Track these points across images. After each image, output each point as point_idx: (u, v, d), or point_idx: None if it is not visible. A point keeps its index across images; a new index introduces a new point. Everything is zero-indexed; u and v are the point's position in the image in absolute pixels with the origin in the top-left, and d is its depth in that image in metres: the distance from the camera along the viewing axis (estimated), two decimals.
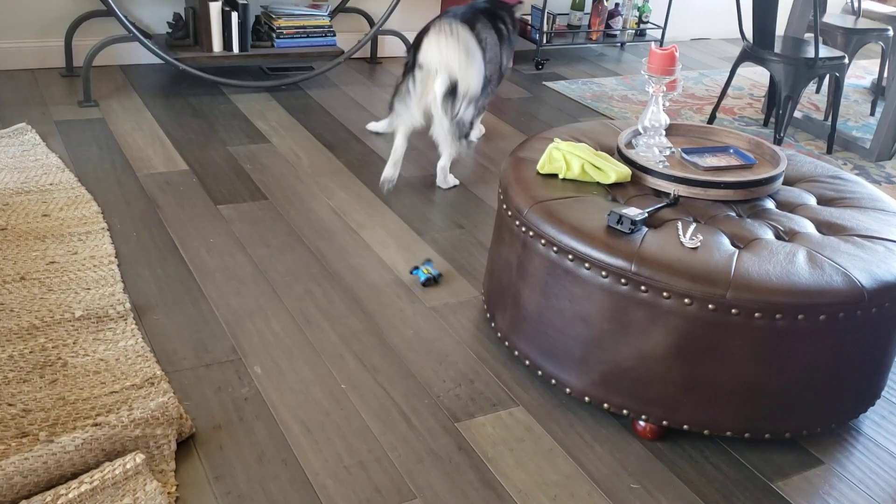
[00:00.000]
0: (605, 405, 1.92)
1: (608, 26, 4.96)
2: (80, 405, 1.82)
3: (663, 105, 2.14)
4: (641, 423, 1.91)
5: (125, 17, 3.47)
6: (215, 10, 3.58)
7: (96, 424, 1.73)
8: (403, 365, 2.10)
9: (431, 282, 2.45)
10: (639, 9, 5.07)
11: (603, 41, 5.02)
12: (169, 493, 1.64)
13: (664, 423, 1.87)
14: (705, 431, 1.87)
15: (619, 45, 5.21)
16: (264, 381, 1.99)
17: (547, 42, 4.72)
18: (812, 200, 2.13)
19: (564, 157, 2.11)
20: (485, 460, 1.81)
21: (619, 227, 1.84)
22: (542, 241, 1.93)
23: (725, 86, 3.91)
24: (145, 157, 3.06)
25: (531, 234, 1.97)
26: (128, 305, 2.17)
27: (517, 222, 2.03)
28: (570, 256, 1.87)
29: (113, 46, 3.57)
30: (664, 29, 5.07)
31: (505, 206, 2.11)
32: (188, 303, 2.25)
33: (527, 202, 2.01)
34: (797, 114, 4.22)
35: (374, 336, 2.20)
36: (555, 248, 1.90)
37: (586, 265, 1.84)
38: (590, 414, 1.99)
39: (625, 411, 1.90)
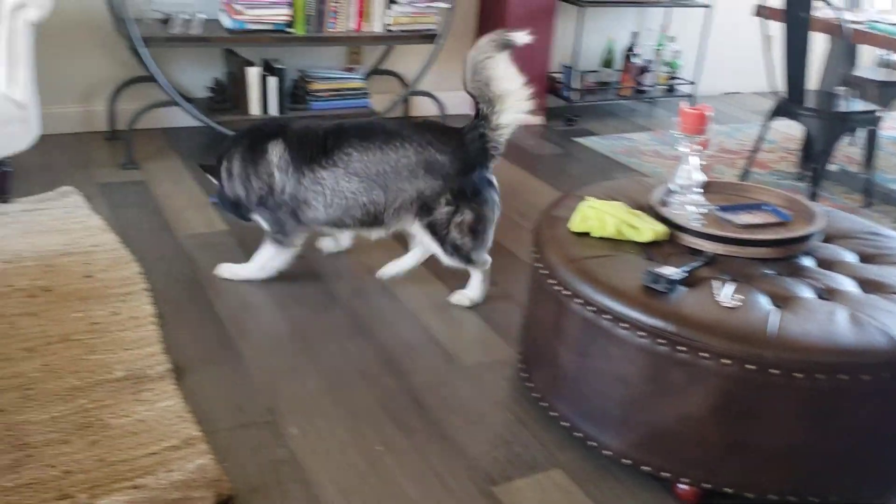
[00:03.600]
0: (645, 467, 1.89)
1: (638, 83, 5.01)
2: (119, 467, 1.83)
3: (697, 164, 2.14)
4: (682, 485, 1.87)
5: (167, 82, 3.58)
6: (254, 75, 3.69)
7: (136, 487, 1.74)
8: (440, 426, 2.09)
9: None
10: (669, 65, 5.11)
11: (633, 97, 5.07)
12: None
13: (705, 485, 1.84)
14: (748, 494, 1.82)
15: (649, 100, 5.25)
16: (300, 442, 1.99)
17: (578, 99, 4.77)
18: (851, 257, 2.10)
19: (598, 215, 2.12)
20: None
21: (655, 286, 1.83)
22: (578, 301, 1.93)
23: (758, 140, 3.90)
24: (185, 218, 3.12)
25: (566, 293, 1.97)
26: (167, 366, 2.20)
27: (552, 281, 2.03)
28: (607, 316, 1.86)
29: (155, 110, 3.67)
30: (695, 84, 5.11)
31: (540, 265, 2.12)
32: (225, 362, 2.27)
33: (562, 261, 2.02)
34: (833, 167, 4.20)
35: (408, 396, 2.19)
36: (591, 308, 1.90)
37: (623, 325, 1.83)
38: (629, 476, 1.95)
39: (665, 473, 1.87)
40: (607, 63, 4.99)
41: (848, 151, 4.65)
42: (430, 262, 2.93)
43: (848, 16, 3.73)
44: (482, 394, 2.23)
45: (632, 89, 5.00)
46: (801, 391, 1.70)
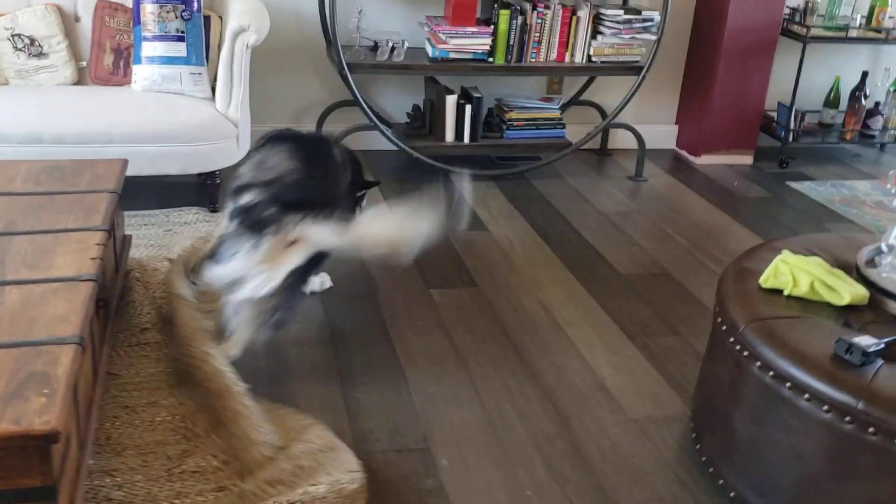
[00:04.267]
0: None
1: (865, 125, 4.57)
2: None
3: None
4: None
5: (370, 107, 3.73)
6: (451, 102, 3.75)
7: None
8: (595, 478, 1.98)
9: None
10: None
11: (859, 141, 4.63)
12: None
13: None
14: None
15: (877, 146, 4.78)
16: (449, 475, 1.96)
17: (793, 140, 4.43)
18: None
19: (792, 271, 1.93)
20: None
21: (847, 357, 1.63)
22: (758, 364, 1.76)
23: None
24: None
25: (746, 353, 1.80)
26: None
27: (731, 339, 1.87)
28: (788, 384, 1.68)
29: (357, 133, 3.84)
30: None
31: (720, 320, 1.96)
32: (389, 383, 2.30)
33: (744, 318, 1.85)
34: None
35: (567, 442, 2.10)
36: (771, 373, 1.72)
37: (806, 396, 1.64)
38: None
39: None
40: (831, 103, 4.60)
41: None
42: (611, 306, 2.82)
43: None
44: (646, 449, 2.09)
45: (857, 132, 4.57)
46: None
